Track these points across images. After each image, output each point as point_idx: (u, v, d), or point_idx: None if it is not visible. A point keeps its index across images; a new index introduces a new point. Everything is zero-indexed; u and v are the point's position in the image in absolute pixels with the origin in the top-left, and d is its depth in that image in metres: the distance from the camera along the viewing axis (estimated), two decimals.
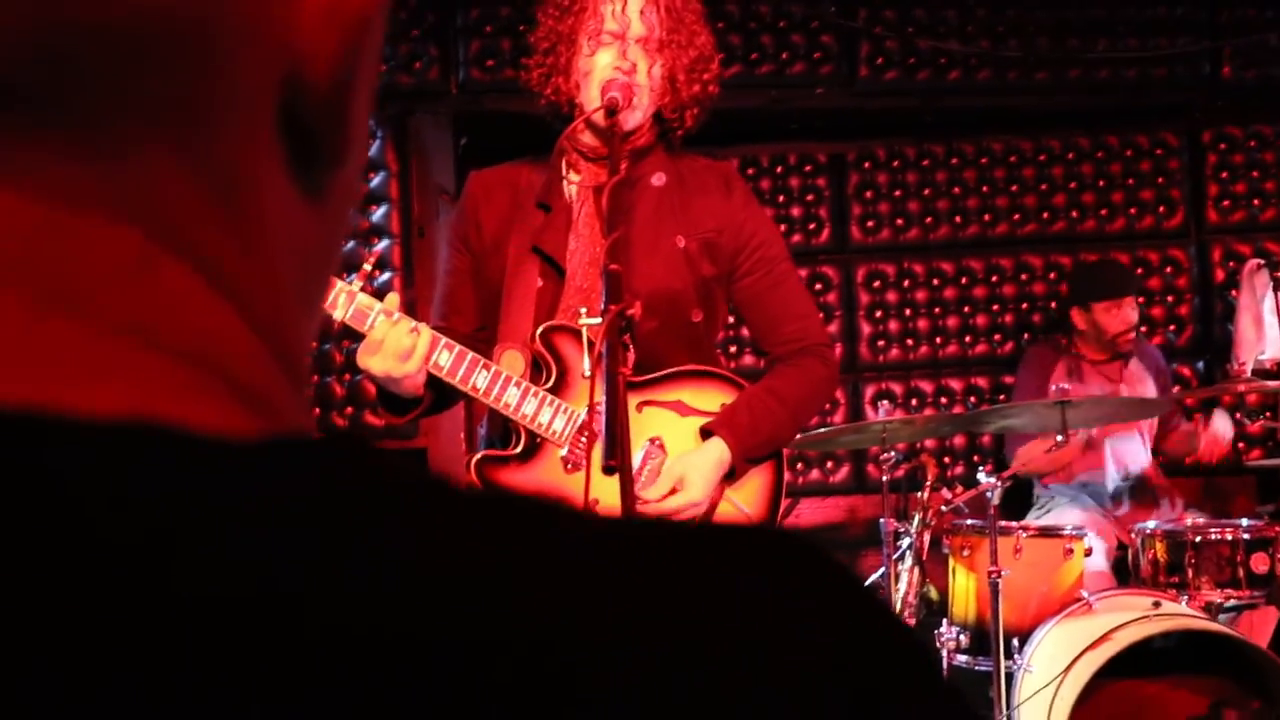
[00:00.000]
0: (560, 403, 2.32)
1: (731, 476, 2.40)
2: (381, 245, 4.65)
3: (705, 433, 2.40)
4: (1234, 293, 5.06)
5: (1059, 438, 3.67)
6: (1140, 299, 4.79)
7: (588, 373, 2.30)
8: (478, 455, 2.33)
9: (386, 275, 4.63)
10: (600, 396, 2.04)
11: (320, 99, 0.41)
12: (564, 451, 2.32)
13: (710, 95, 2.47)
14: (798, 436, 2.68)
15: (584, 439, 2.26)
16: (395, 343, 2.21)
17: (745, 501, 2.44)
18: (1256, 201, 5.34)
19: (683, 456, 2.37)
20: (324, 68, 0.41)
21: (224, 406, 0.39)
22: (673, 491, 2.33)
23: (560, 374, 2.34)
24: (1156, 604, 3.46)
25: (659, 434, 2.40)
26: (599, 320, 2.12)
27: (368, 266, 2.33)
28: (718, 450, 2.37)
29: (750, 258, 2.49)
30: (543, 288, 2.39)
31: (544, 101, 2.49)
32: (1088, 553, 3.79)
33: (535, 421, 2.31)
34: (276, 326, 0.42)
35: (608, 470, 1.95)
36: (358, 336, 4.45)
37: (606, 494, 2.18)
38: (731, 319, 2.76)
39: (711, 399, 2.43)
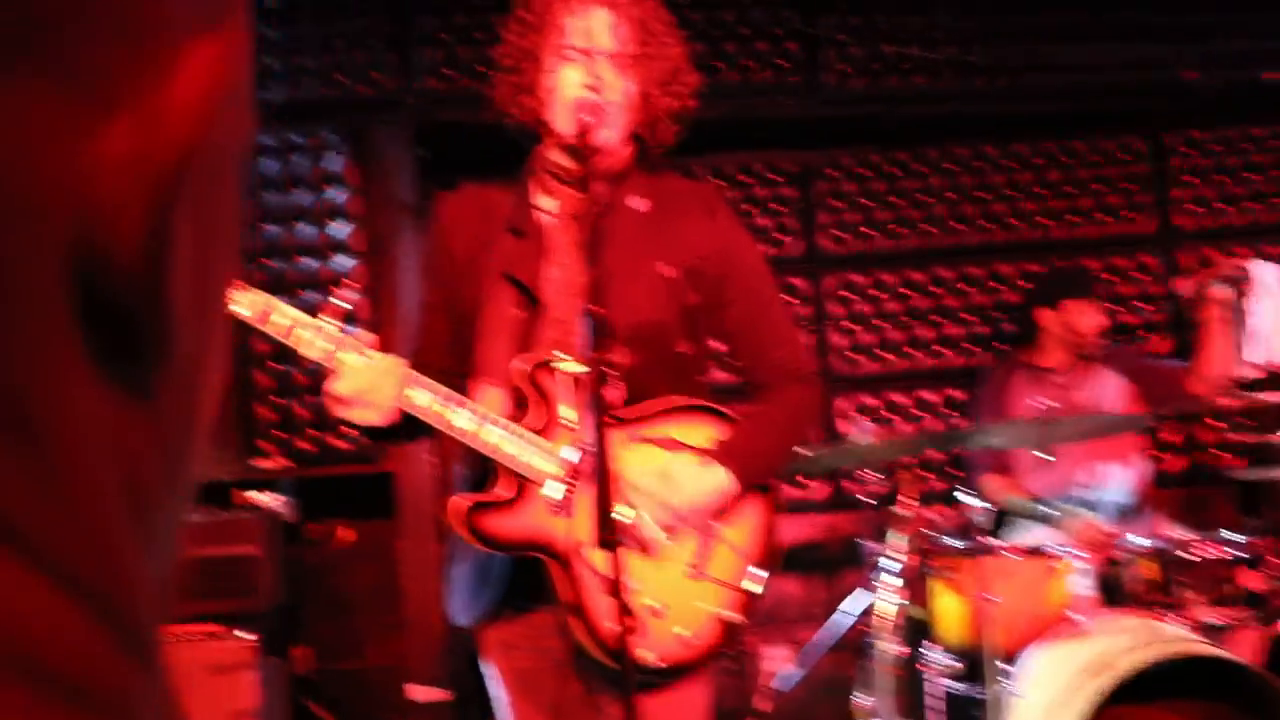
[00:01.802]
0: (545, 443, 2.19)
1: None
2: (340, 260, 4.51)
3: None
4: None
5: (1044, 454, 3.61)
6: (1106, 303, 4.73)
7: (570, 422, 2.18)
8: (466, 504, 2.18)
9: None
10: (589, 442, 1.92)
11: (129, 273, 0.32)
12: (549, 494, 2.19)
13: (686, 108, 2.36)
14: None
15: (572, 482, 2.13)
16: (363, 393, 2.11)
17: (740, 538, 2.34)
18: (1223, 205, 5.31)
19: (684, 462, 2.25)
20: (130, 233, 0.31)
21: None
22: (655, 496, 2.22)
23: (547, 412, 2.21)
24: (1150, 626, 3.39)
25: None
26: (579, 367, 2.01)
27: (345, 305, 2.19)
28: (717, 477, 2.26)
29: (736, 285, 2.38)
30: (518, 318, 2.27)
31: (512, 121, 2.37)
32: (1074, 572, 3.71)
33: (520, 463, 2.18)
34: (98, 571, 0.32)
35: (605, 545, 1.83)
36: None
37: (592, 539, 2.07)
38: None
39: (701, 433, 2.31)
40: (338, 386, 2.10)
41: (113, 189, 0.31)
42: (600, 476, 1.89)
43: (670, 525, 2.22)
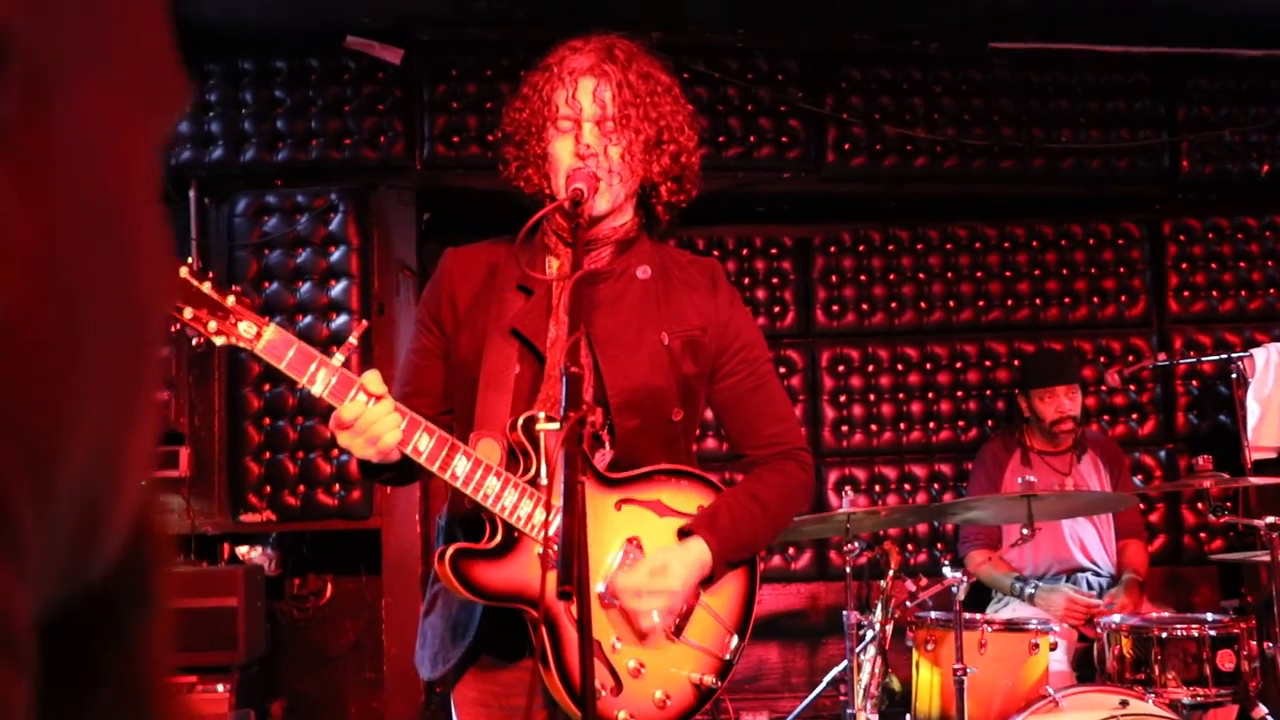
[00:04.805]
0: (540, 496, 2.22)
1: (709, 580, 2.33)
2: (340, 321, 4.57)
3: (684, 533, 2.33)
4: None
5: (1024, 530, 3.64)
6: (1073, 387, 4.69)
7: (545, 480, 2.21)
8: (452, 548, 2.20)
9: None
10: (558, 504, 1.95)
11: None
12: (540, 548, 2.22)
13: (685, 166, 2.38)
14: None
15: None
16: (366, 425, 2.11)
17: (720, 606, 2.37)
18: (1215, 293, 5.38)
19: (665, 549, 2.30)
20: None
21: None
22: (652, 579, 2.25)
23: (539, 466, 2.25)
24: (1124, 703, 3.41)
25: (636, 533, 2.31)
26: (558, 425, 2.03)
27: (354, 340, 2.22)
28: (699, 550, 2.30)
29: (733, 359, 2.43)
30: (520, 374, 2.31)
31: (521, 191, 2.43)
32: (1053, 647, 3.74)
33: (514, 514, 2.20)
34: None
35: (563, 595, 1.85)
36: (315, 411, 4.35)
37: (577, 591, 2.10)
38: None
39: (690, 500, 2.36)
40: (345, 411, 2.10)
41: None
42: (566, 530, 1.92)
43: (671, 611, 2.27)
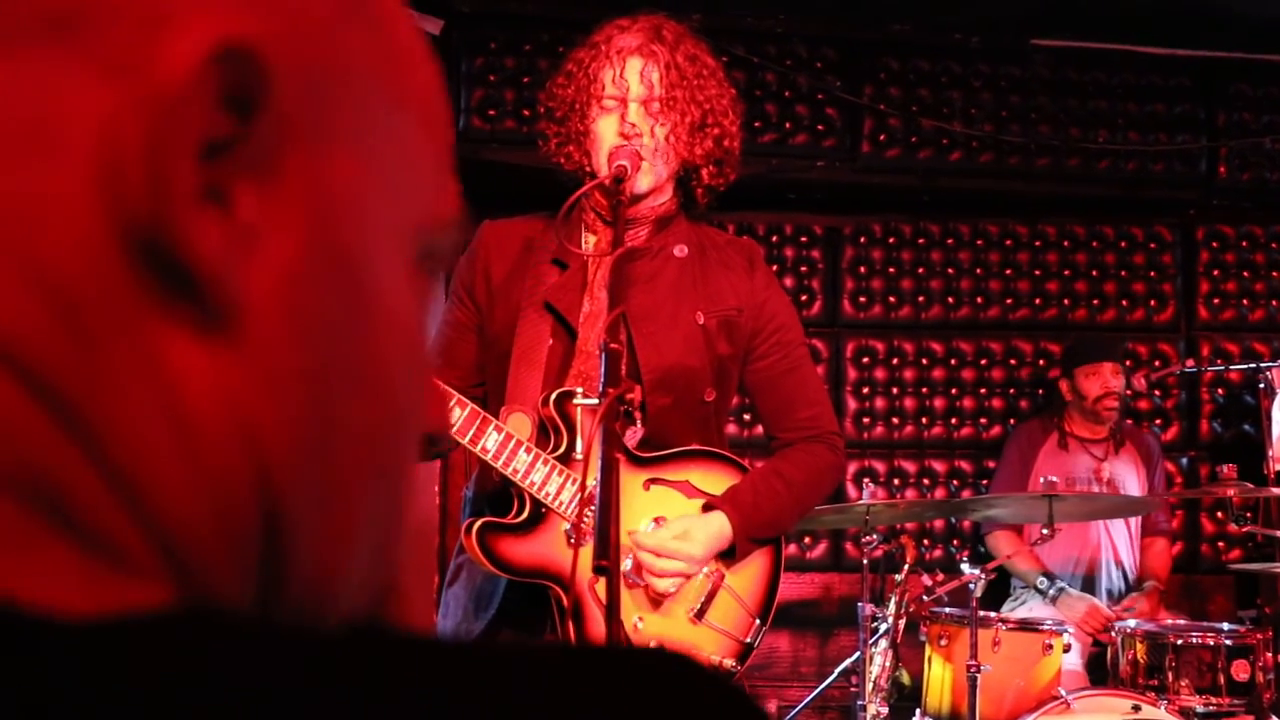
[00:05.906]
0: (569, 473, 2.23)
1: (731, 555, 2.34)
2: None
3: (706, 508, 2.34)
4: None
5: (1044, 530, 3.63)
6: (1124, 365, 4.70)
7: (580, 456, 2.22)
8: (479, 522, 2.22)
9: None
10: (593, 482, 1.95)
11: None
12: (568, 525, 2.23)
13: (727, 150, 2.39)
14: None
15: (590, 513, 2.17)
16: None
17: (742, 587, 2.37)
18: (1246, 301, 5.35)
19: (686, 516, 2.31)
20: None
21: (60, 556, 0.35)
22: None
23: (570, 442, 2.26)
24: (1136, 708, 3.41)
25: (663, 513, 2.32)
26: (596, 401, 2.04)
27: None
28: (719, 522, 2.31)
29: (768, 340, 2.44)
30: (552, 348, 2.32)
31: (563, 168, 2.43)
32: (1066, 649, 3.73)
33: (543, 490, 2.22)
34: (136, 478, 0.37)
35: (598, 570, 1.86)
36: None
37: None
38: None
39: (719, 482, 2.36)
40: None
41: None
42: (603, 505, 1.93)
43: (682, 574, 2.27)
